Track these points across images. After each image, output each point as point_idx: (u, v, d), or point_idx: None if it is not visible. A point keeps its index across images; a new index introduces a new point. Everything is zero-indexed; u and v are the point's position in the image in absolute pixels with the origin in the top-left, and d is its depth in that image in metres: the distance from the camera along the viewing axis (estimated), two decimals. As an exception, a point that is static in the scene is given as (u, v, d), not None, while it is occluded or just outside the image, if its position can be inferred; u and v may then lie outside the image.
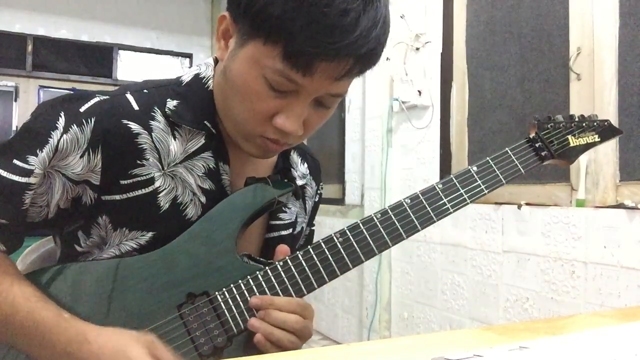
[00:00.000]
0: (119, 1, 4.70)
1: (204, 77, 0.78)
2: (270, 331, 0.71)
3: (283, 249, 0.76)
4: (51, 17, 4.47)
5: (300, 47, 0.63)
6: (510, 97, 2.23)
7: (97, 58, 4.69)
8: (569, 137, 0.85)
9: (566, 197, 1.93)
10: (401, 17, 2.68)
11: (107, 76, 4.71)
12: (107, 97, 0.74)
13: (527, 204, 2.03)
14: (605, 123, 0.89)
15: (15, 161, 0.69)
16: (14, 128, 4.41)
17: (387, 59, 2.78)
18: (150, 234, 0.73)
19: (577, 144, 0.86)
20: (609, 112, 1.80)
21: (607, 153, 1.80)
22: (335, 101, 0.72)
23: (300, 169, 0.91)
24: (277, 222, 0.85)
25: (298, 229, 0.90)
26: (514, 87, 2.22)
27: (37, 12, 4.42)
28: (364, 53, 0.65)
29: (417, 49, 2.64)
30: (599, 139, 0.88)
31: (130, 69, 4.82)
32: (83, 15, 4.57)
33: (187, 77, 0.79)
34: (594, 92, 1.84)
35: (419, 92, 2.60)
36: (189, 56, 5.02)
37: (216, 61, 0.79)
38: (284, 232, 0.86)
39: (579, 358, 0.50)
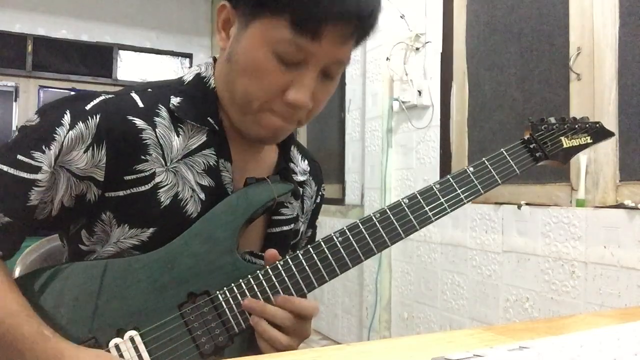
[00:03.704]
0: (119, 1, 4.70)
1: (205, 77, 0.79)
2: (263, 327, 0.71)
3: (272, 253, 0.76)
4: (51, 17, 4.47)
5: (307, 13, 0.66)
6: (510, 97, 2.23)
7: (97, 58, 4.69)
8: (562, 138, 0.87)
9: (566, 197, 1.93)
10: (401, 17, 2.68)
11: (107, 76, 4.72)
12: (113, 96, 0.75)
13: (527, 204, 2.03)
14: (597, 125, 0.91)
15: (20, 157, 0.69)
16: (14, 128, 4.41)
17: (387, 59, 2.78)
18: (150, 230, 0.73)
19: (570, 145, 0.88)
20: (609, 112, 1.80)
21: (607, 153, 1.80)
22: (339, 70, 0.75)
23: (302, 165, 0.92)
24: (279, 218, 0.85)
25: (297, 225, 0.90)
26: (514, 87, 2.22)
27: (37, 12, 4.42)
28: (366, 14, 0.69)
29: (417, 49, 2.64)
30: (591, 141, 0.90)
31: (130, 69, 4.82)
32: (83, 15, 4.57)
33: (188, 77, 0.80)
34: (594, 92, 1.84)
35: (419, 92, 2.60)
36: (189, 56, 5.02)
37: (215, 60, 0.81)
38: (285, 228, 0.86)
39: (579, 358, 0.50)
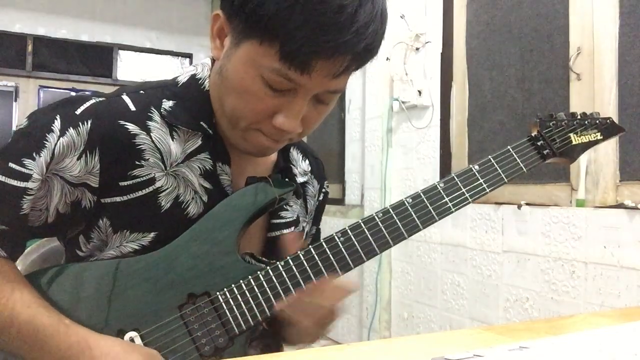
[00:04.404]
0: (119, 1, 4.70)
1: (200, 78, 0.77)
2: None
3: (291, 237, 0.76)
4: (51, 17, 4.47)
5: (297, 47, 0.62)
6: (510, 97, 2.24)
7: (97, 58, 4.69)
8: (571, 135, 0.84)
9: (566, 197, 1.93)
10: (401, 17, 2.68)
11: (107, 76, 4.71)
12: (103, 99, 0.74)
13: (527, 204, 2.03)
14: (608, 121, 0.88)
15: (11, 164, 0.69)
16: (14, 128, 4.40)
17: (387, 59, 2.78)
18: (152, 234, 0.73)
19: (580, 141, 0.85)
20: (609, 112, 1.80)
21: (607, 153, 1.80)
22: (333, 97, 0.72)
23: (302, 165, 0.91)
24: (279, 221, 0.85)
25: (299, 227, 0.89)
26: (514, 87, 2.22)
27: (37, 12, 4.42)
28: (362, 49, 0.65)
29: (417, 49, 2.64)
30: (602, 137, 0.87)
31: (130, 69, 4.82)
32: (83, 15, 4.57)
33: (183, 78, 0.78)
34: (594, 92, 1.85)
35: (419, 92, 2.60)
36: (189, 56, 5.02)
37: (213, 61, 0.79)
38: (285, 231, 0.85)
39: (579, 358, 0.50)
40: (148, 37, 4.83)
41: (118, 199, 0.72)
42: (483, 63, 2.38)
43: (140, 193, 0.72)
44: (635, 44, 1.77)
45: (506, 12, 2.27)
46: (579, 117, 0.87)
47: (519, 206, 2.05)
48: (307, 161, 0.92)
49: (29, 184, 0.69)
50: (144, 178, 0.72)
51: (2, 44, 4.34)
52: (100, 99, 0.74)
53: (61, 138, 0.70)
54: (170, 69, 4.96)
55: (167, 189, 0.74)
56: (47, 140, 0.69)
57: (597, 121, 0.87)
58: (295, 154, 0.90)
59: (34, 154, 0.69)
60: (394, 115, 2.81)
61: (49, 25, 4.47)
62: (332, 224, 3.20)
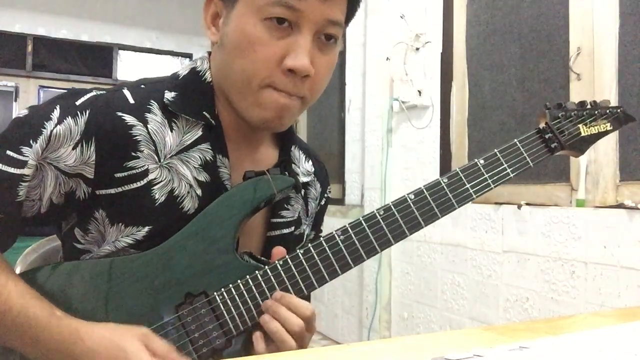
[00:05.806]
0: (119, 1, 4.70)
1: (201, 71, 0.79)
2: (276, 327, 0.70)
3: (279, 251, 0.75)
4: (51, 17, 4.47)
5: None
6: (510, 97, 2.23)
7: (97, 58, 4.69)
8: (581, 126, 0.82)
9: (566, 197, 1.93)
10: (401, 17, 2.68)
11: (107, 76, 4.71)
12: (104, 92, 0.75)
13: (527, 204, 2.03)
14: (619, 110, 0.85)
15: (9, 152, 0.69)
16: (14, 128, 4.40)
17: (387, 59, 2.78)
18: (146, 229, 0.72)
19: (589, 133, 0.82)
20: (609, 112, 1.80)
21: (607, 153, 1.80)
22: (334, 32, 0.73)
23: (305, 165, 0.90)
24: (279, 220, 0.84)
25: (300, 229, 0.89)
26: (514, 87, 2.22)
27: (37, 12, 4.42)
28: None
29: (417, 49, 2.64)
30: (611, 127, 0.84)
31: (130, 69, 4.82)
32: (83, 15, 4.57)
33: (183, 72, 0.80)
34: (594, 92, 1.84)
35: (419, 92, 2.60)
36: (189, 56, 5.02)
37: (209, 55, 0.81)
38: (285, 230, 0.85)
39: (579, 358, 0.50)
40: (148, 37, 4.83)
41: (113, 190, 0.72)
42: (483, 63, 2.38)
43: (134, 185, 0.72)
44: (635, 44, 1.77)
45: (506, 12, 2.27)
46: (588, 106, 0.84)
47: (519, 206, 2.04)
48: (310, 162, 0.91)
49: (25, 171, 0.69)
50: (139, 170, 0.72)
51: (2, 44, 4.34)
52: (101, 92, 0.75)
53: (58, 125, 0.70)
54: (170, 69, 4.94)
55: (160, 181, 0.73)
56: (44, 128, 0.70)
57: (608, 110, 0.84)
58: (297, 154, 0.89)
59: (31, 141, 0.70)
60: (394, 115, 2.81)
61: (49, 25, 4.47)
62: (331, 224, 3.18)
